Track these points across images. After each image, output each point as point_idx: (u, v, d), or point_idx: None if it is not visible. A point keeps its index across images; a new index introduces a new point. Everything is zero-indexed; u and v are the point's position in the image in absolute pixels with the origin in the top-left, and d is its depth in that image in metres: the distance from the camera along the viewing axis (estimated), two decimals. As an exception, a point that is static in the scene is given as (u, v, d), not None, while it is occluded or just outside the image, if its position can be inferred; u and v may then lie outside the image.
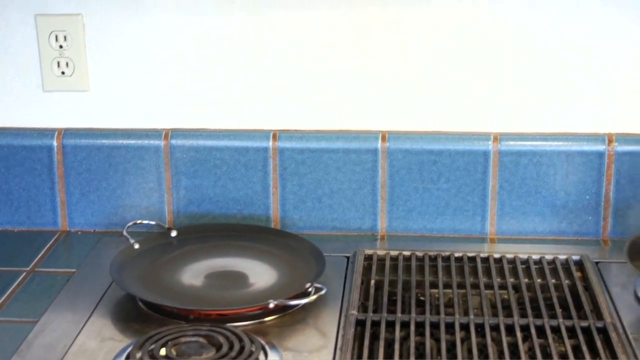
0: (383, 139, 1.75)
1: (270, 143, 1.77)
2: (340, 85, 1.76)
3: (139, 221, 1.71)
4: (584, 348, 1.36)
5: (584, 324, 1.42)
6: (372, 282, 1.58)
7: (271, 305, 1.45)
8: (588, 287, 1.55)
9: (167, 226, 1.75)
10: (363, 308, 1.50)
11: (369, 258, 1.66)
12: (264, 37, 1.74)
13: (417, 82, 1.75)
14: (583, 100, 1.73)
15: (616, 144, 1.71)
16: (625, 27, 1.69)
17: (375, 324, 1.44)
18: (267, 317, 1.47)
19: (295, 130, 1.78)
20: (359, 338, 1.41)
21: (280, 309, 1.47)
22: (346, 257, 1.68)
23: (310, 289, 1.49)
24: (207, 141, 1.78)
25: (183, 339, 1.36)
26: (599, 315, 1.45)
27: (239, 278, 1.58)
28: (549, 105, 1.74)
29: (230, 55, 1.76)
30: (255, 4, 1.72)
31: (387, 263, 1.64)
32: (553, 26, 1.70)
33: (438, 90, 1.75)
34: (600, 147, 1.72)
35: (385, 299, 1.51)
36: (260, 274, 1.59)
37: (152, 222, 1.73)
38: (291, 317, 1.48)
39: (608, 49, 1.70)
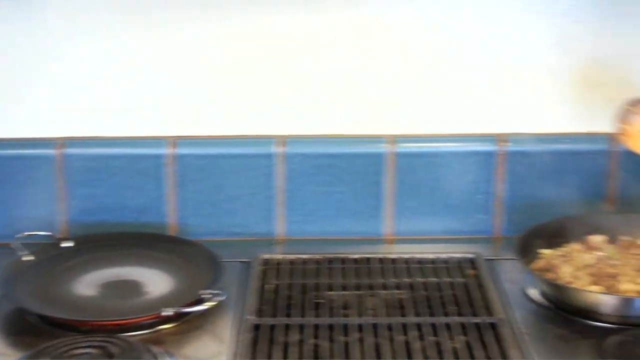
0: (281, 143, 1.76)
1: (167, 150, 1.75)
2: (236, 91, 1.76)
3: (30, 232, 1.68)
4: (476, 344, 1.38)
5: (476, 320, 1.45)
6: (270, 286, 1.59)
7: (166, 314, 1.44)
8: (481, 285, 1.58)
9: (60, 236, 1.72)
10: (260, 313, 1.50)
11: (266, 263, 1.67)
12: (160, 42, 1.73)
13: (315, 87, 1.76)
14: (475, 101, 1.77)
15: (506, 144, 1.75)
16: (516, 29, 1.73)
17: (272, 328, 1.45)
18: (163, 325, 1.46)
19: (192, 136, 1.77)
20: (255, 343, 1.41)
21: (177, 317, 1.46)
22: (244, 262, 1.68)
23: (206, 296, 1.49)
24: (101, 149, 1.76)
25: (76, 351, 1.34)
26: (490, 312, 1.48)
27: (135, 287, 1.57)
28: (443, 107, 1.77)
29: (123, 63, 1.74)
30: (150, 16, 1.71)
31: (285, 267, 1.65)
32: (445, 29, 1.73)
33: (335, 94, 1.76)
34: (491, 147, 1.75)
35: (282, 303, 1.52)
36: (156, 282, 1.58)
37: (45, 233, 1.69)
38: (188, 325, 1.47)
39: (499, 51, 1.74)
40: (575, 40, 1.72)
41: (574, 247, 1.62)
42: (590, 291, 1.47)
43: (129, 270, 1.61)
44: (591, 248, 1.62)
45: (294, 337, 1.42)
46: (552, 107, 1.76)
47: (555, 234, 1.65)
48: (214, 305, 1.48)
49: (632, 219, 1.69)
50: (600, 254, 1.58)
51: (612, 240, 1.65)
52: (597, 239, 1.64)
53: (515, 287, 1.57)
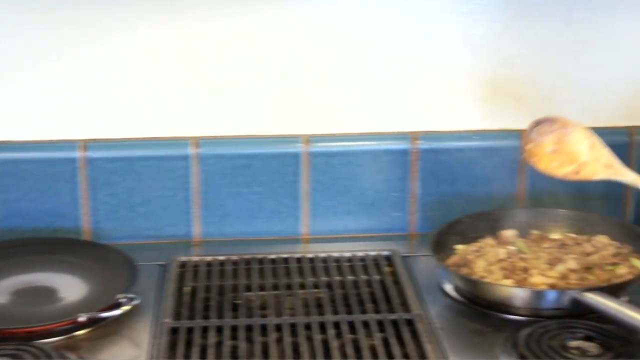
0: (195, 144, 1.75)
1: (79, 153, 1.73)
2: (149, 93, 1.74)
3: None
4: (392, 340, 1.40)
5: (393, 317, 1.47)
6: (187, 289, 1.58)
7: (81, 319, 1.42)
8: (397, 282, 1.60)
9: (-30, 243, 1.69)
10: (177, 316, 1.49)
11: (183, 265, 1.66)
12: (80, 45, 1.70)
13: (227, 88, 1.75)
14: (388, 100, 1.78)
15: (420, 141, 1.78)
16: (427, 29, 1.75)
17: (190, 331, 1.44)
18: (78, 331, 1.44)
19: (105, 139, 1.75)
20: (173, 346, 1.40)
21: (92, 322, 1.44)
22: (161, 265, 1.66)
23: (122, 300, 1.47)
24: (12, 153, 1.72)
25: (-13, 360, 1.32)
26: (407, 308, 1.50)
27: (48, 293, 1.54)
28: (357, 106, 1.78)
29: (35, 64, 1.71)
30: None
31: (202, 269, 1.65)
32: (356, 28, 1.74)
33: (249, 95, 1.76)
34: (405, 145, 1.77)
35: (199, 305, 1.52)
36: (71, 288, 1.55)
37: (-47, 241, 1.66)
38: (104, 330, 1.45)
39: (411, 50, 1.76)
40: (482, 39, 1.75)
41: (488, 242, 1.65)
42: (503, 285, 1.49)
43: (43, 276, 1.59)
44: (503, 243, 1.65)
45: (212, 339, 1.41)
46: (464, 104, 1.79)
47: (469, 230, 1.68)
48: (130, 309, 1.46)
49: (542, 214, 1.72)
50: (512, 248, 1.62)
51: (524, 234, 1.69)
52: (508, 233, 1.67)
53: (432, 283, 1.60)
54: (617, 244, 1.63)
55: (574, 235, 1.68)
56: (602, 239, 1.64)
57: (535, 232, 1.70)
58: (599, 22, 1.76)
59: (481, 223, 1.69)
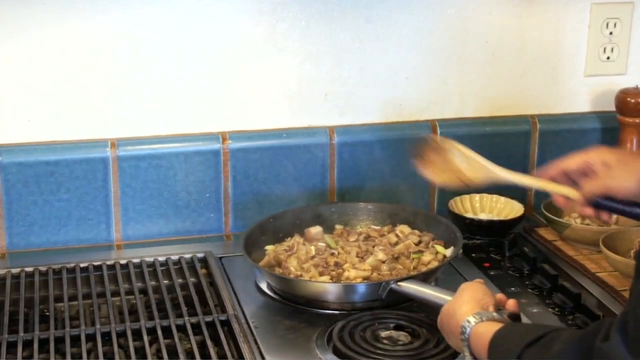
0: (-5, 153, 1.68)
1: None
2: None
3: None
4: (209, 342, 1.39)
5: (209, 319, 1.46)
6: (-8, 303, 1.51)
7: None
8: (213, 283, 1.59)
9: None
10: (-17, 332, 1.43)
11: (-13, 279, 1.59)
12: None
13: (26, 93, 1.69)
14: (196, 100, 1.77)
15: (229, 141, 1.77)
16: (231, 28, 1.75)
17: (-3, 347, 1.38)
18: None
19: None
20: (-22, 365, 1.34)
21: None
22: (-37, 280, 1.59)
23: None
24: None
25: None
26: (223, 309, 1.50)
27: None
28: (164, 107, 1.76)
29: None
30: None
31: (9, 282, 1.58)
32: (159, 30, 1.72)
33: (51, 98, 1.70)
34: (215, 146, 1.77)
35: (6, 320, 1.46)
36: None
37: None
38: None
39: (216, 50, 1.75)
40: (286, 37, 1.77)
41: (297, 239, 1.66)
42: (315, 281, 1.51)
43: None
44: (311, 240, 1.67)
45: (20, 353, 1.36)
46: (272, 103, 1.80)
47: (277, 229, 1.69)
48: None
49: (343, 208, 1.76)
50: (321, 244, 1.64)
51: (329, 230, 1.71)
52: (314, 230, 1.69)
53: (247, 283, 1.60)
54: (418, 232, 1.69)
55: (376, 227, 1.73)
56: (403, 229, 1.69)
57: (339, 227, 1.73)
58: (397, 19, 1.81)
59: (287, 222, 1.70)
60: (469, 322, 1.21)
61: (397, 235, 1.67)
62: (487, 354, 1.17)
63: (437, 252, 1.62)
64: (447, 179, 1.49)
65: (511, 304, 1.28)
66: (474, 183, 1.48)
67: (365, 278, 1.52)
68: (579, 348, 1.04)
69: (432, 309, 1.47)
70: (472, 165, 1.48)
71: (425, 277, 1.50)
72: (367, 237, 1.67)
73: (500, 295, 1.30)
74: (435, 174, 1.50)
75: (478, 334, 1.19)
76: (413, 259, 1.60)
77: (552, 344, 1.08)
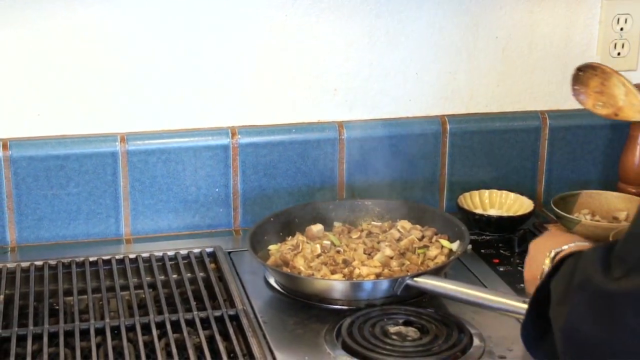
0: (4, 147, 1.68)
1: None
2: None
3: None
4: (218, 337, 1.39)
5: (218, 313, 1.46)
6: (1, 297, 1.51)
7: None
8: (222, 278, 1.59)
9: None
10: (-7, 326, 1.43)
11: (-3, 273, 1.59)
12: None
13: (36, 87, 1.69)
14: (206, 95, 1.77)
15: (239, 136, 1.77)
16: (242, 23, 1.75)
17: (6, 340, 1.38)
18: None
19: None
20: (-12, 358, 1.35)
21: None
22: (-26, 274, 1.59)
23: None
24: None
25: None
26: (232, 304, 1.50)
27: None
28: (173, 102, 1.76)
29: None
30: None
31: (18, 275, 1.58)
32: (174, 25, 1.72)
33: (60, 93, 1.70)
34: (225, 141, 1.77)
35: (16, 313, 1.46)
36: None
37: None
38: None
39: (227, 44, 1.75)
40: (296, 32, 1.77)
41: (300, 238, 1.65)
42: (330, 279, 1.51)
43: None
44: (312, 238, 1.66)
45: (30, 347, 1.36)
46: (282, 98, 1.80)
47: (279, 229, 1.68)
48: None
49: (341, 206, 1.75)
50: (326, 242, 1.63)
51: (328, 228, 1.70)
52: (315, 228, 1.68)
53: (256, 278, 1.60)
54: (419, 227, 1.69)
55: (377, 223, 1.72)
56: (404, 224, 1.69)
57: (337, 224, 1.72)
58: (408, 14, 1.81)
59: (287, 220, 1.70)
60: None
61: (399, 231, 1.66)
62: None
63: (442, 247, 1.61)
64: (601, 107, 1.50)
65: None
66: (627, 117, 1.49)
67: (378, 275, 1.52)
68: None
69: (441, 305, 1.48)
70: (630, 99, 1.49)
71: (437, 272, 1.50)
72: (370, 234, 1.67)
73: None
74: (589, 99, 1.51)
75: None
76: (419, 254, 1.59)
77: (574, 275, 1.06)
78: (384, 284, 1.48)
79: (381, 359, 1.32)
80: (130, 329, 1.42)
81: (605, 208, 1.80)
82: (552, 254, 1.20)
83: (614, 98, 1.57)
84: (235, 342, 1.38)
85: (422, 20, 1.82)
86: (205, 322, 1.44)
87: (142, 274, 1.60)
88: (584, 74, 1.61)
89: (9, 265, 1.61)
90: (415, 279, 1.46)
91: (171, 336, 1.40)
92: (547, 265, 1.20)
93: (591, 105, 1.61)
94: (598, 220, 1.76)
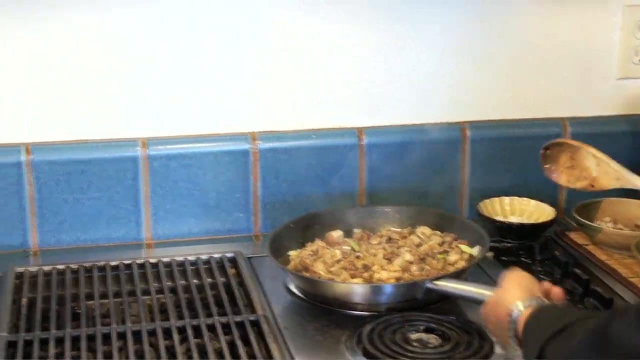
0: (27, 151, 1.69)
1: None
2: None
3: None
4: (239, 342, 1.39)
5: (238, 319, 1.46)
6: (24, 300, 1.52)
7: None
8: (242, 283, 1.59)
9: None
10: (14, 329, 1.44)
11: (20, 276, 1.60)
12: None
13: (57, 92, 1.70)
14: (226, 101, 1.78)
15: (259, 142, 1.78)
16: (263, 29, 1.75)
17: (28, 344, 1.39)
18: None
19: None
20: (10, 361, 1.35)
21: None
22: (-4, 277, 1.60)
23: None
24: None
25: None
26: (252, 309, 1.50)
27: None
28: (194, 107, 1.77)
29: None
30: None
31: (40, 279, 1.59)
32: (195, 31, 1.73)
33: (82, 98, 1.71)
34: (245, 146, 1.77)
35: (38, 317, 1.47)
36: None
37: None
38: None
39: (247, 50, 1.76)
40: (315, 38, 1.77)
41: (319, 244, 1.66)
42: (343, 282, 1.51)
43: None
44: (332, 244, 1.66)
45: (52, 350, 1.37)
46: (302, 104, 1.80)
47: (298, 234, 1.68)
48: (-38, 325, 1.40)
49: (360, 212, 1.75)
50: (346, 248, 1.63)
51: (347, 234, 1.70)
52: (335, 234, 1.68)
53: (276, 283, 1.60)
54: (439, 232, 1.69)
55: (397, 230, 1.72)
56: (424, 230, 1.69)
57: (357, 230, 1.72)
58: (427, 19, 1.81)
59: (308, 226, 1.70)
60: (518, 307, 1.19)
61: (419, 237, 1.66)
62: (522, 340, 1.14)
63: (462, 252, 1.61)
64: (575, 181, 1.50)
65: (557, 292, 1.26)
66: (603, 187, 1.48)
67: (397, 279, 1.52)
68: (596, 336, 1.01)
69: (461, 312, 1.47)
70: (603, 168, 1.48)
71: (457, 276, 1.50)
72: (389, 240, 1.67)
73: (547, 284, 1.29)
74: (562, 175, 1.51)
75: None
76: (439, 259, 1.59)
77: (574, 336, 1.05)
78: (404, 288, 1.48)
79: (402, 366, 1.33)
80: (152, 333, 1.43)
81: (628, 216, 1.79)
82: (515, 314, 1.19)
83: (586, 170, 1.57)
84: (256, 347, 1.38)
85: (442, 25, 1.82)
86: (226, 328, 1.44)
87: (162, 279, 1.60)
88: (551, 152, 1.62)
89: (31, 269, 1.62)
90: (435, 282, 1.46)
91: (192, 341, 1.40)
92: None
93: (565, 181, 1.62)
94: (620, 228, 1.75)
